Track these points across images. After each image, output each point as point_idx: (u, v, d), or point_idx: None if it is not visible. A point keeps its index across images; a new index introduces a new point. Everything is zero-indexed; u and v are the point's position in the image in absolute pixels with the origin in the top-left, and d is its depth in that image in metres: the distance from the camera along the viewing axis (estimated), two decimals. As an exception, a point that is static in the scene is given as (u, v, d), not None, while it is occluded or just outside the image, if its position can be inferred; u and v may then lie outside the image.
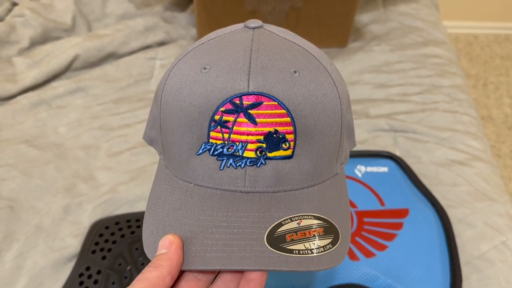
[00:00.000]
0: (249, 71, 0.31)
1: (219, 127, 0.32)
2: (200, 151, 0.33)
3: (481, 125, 0.79)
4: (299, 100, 0.32)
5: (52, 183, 0.67)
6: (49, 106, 0.76)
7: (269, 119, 0.31)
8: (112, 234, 0.61)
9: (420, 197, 0.65)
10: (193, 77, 0.33)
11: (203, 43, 0.36)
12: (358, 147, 0.71)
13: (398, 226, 0.61)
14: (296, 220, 0.32)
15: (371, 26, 0.90)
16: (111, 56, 0.82)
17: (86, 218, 0.63)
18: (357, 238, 0.60)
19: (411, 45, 0.87)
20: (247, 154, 0.32)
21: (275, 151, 0.32)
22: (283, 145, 0.32)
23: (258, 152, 0.32)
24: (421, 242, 0.60)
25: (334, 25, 0.82)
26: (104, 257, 0.58)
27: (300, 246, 0.31)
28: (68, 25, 0.86)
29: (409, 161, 0.69)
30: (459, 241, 0.61)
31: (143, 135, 0.41)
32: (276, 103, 0.31)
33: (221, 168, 0.32)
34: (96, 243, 0.60)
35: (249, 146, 0.31)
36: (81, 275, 0.57)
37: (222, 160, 0.32)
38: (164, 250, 0.30)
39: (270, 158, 0.32)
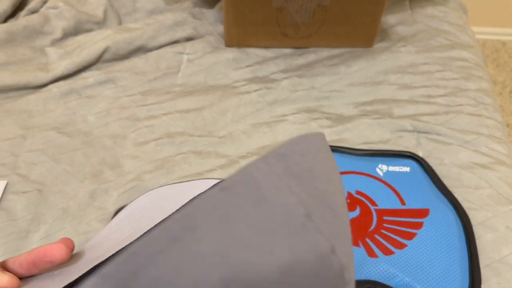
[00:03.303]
0: None
1: None
2: None
3: (506, 130, 0.78)
4: None
5: (80, 169, 0.69)
6: (79, 96, 0.79)
7: None
8: (136, 220, 0.62)
9: (441, 198, 0.65)
10: None
11: None
12: (381, 146, 0.71)
13: (418, 225, 0.61)
14: None
15: (397, 28, 0.90)
16: (140, 49, 0.84)
17: (111, 204, 0.65)
18: (376, 236, 0.61)
19: (438, 47, 0.87)
20: None
21: None
22: None
23: None
24: (441, 242, 0.60)
25: (361, 24, 0.83)
26: (127, 242, 0.60)
27: None
28: (100, 18, 0.89)
29: (432, 162, 0.69)
30: (479, 243, 0.60)
31: None
32: None
33: None
34: (120, 228, 0.62)
35: None
36: (104, 258, 0.59)
37: None
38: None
39: None
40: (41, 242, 0.61)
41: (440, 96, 0.78)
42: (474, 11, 1.54)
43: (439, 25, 0.91)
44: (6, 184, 0.67)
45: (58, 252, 0.31)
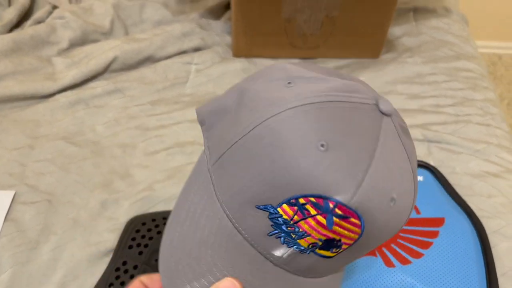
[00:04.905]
0: (360, 185, 0.28)
1: (296, 207, 0.29)
2: (261, 207, 0.30)
3: (513, 140, 0.79)
4: (379, 226, 0.30)
5: (89, 179, 0.68)
6: (87, 105, 0.78)
7: (343, 230, 0.29)
8: (149, 230, 0.61)
9: (455, 207, 0.65)
10: (305, 146, 0.28)
11: (330, 101, 0.30)
12: (392, 155, 0.71)
13: (434, 234, 0.61)
14: None
15: (403, 39, 0.91)
16: (149, 59, 0.84)
17: (123, 214, 0.64)
18: (393, 245, 0.60)
19: (443, 58, 0.88)
20: (301, 242, 0.30)
21: (324, 250, 0.31)
22: (334, 249, 0.31)
23: (310, 245, 0.31)
24: (457, 251, 0.59)
25: (368, 35, 0.83)
26: (140, 253, 0.59)
27: None
28: (106, 28, 0.89)
29: (444, 171, 0.69)
30: (494, 252, 0.60)
31: (198, 108, 0.36)
32: (359, 223, 0.29)
33: (269, 235, 0.31)
34: (133, 239, 0.60)
35: (308, 238, 0.30)
36: (117, 269, 0.58)
37: (275, 230, 0.30)
38: None
39: (315, 253, 0.31)
40: (51, 253, 0.60)
41: (449, 105, 0.79)
42: (471, 25, 1.56)
43: (443, 36, 0.93)
44: (14, 194, 0.65)
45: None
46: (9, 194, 0.65)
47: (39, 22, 0.90)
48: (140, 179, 0.68)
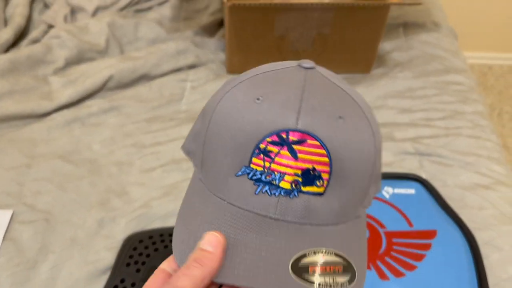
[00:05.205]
0: (299, 110, 0.33)
1: (262, 155, 0.33)
2: (240, 173, 0.34)
3: (503, 151, 0.80)
4: (340, 143, 0.34)
5: (86, 198, 0.69)
6: (83, 124, 0.79)
7: (309, 156, 0.33)
8: (146, 247, 0.62)
9: (447, 219, 0.66)
10: (246, 105, 0.35)
11: (257, 74, 0.37)
12: (385, 169, 0.72)
13: (427, 247, 0.62)
14: (319, 253, 0.33)
15: (393, 54, 0.93)
16: (144, 78, 0.85)
17: (120, 232, 0.64)
18: (386, 258, 0.61)
19: (433, 72, 0.89)
20: (283, 184, 0.33)
21: (309, 186, 0.34)
22: (317, 182, 0.34)
23: (293, 185, 0.33)
24: (450, 263, 0.61)
25: (359, 51, 0.85)
26: (138, 270, 0.60)
27: (320, 280, 0.32)
28: (102, 47, 0.90)
29: (435, 184, 0.70)
30: (486, 263, 0.61)
31: (182, 145, 0.42)
32: (318, 143, 0.33)
33: (256, 193, 0.34)
34: (131, 256, 0.61)
35: (286, 177, 0.33)
36: (115, 287, 0.58)
37: (259, 185, 0.34)
38: (210, 248, 0.32)
39: (303, 192, 0.34)
40: (50, 272, 0.60)
41: (439, 119, 0.81)
42: (461, 37, 1.59)
43: (433, 50, 0.94)
44: (12, 214, 0.66)
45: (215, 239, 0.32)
46: (7, 213, 0.66)
47: (35, 41, 0.91)
48: (136, 196, 0.68)
